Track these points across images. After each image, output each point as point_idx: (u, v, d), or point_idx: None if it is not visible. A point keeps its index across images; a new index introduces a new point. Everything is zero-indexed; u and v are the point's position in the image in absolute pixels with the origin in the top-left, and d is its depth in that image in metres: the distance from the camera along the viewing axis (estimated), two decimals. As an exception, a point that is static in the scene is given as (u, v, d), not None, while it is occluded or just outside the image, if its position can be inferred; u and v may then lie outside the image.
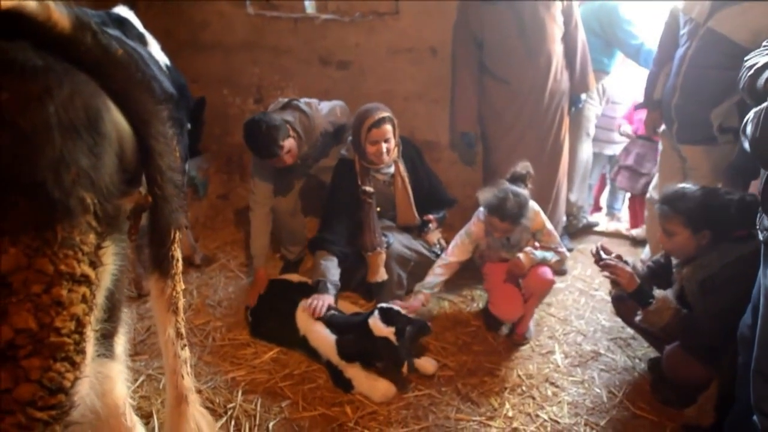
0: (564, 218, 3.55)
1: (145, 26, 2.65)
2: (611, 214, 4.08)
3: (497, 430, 2.21)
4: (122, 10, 2.57)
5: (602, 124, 3.70)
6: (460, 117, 3.32)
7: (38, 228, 0.91)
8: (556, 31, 3.06)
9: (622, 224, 3.94)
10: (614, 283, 2.31)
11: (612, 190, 4.07)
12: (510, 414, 2.28)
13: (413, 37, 3.63)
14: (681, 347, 2.16)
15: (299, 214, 3.36)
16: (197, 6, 4.19)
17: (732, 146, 2.50)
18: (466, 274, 2.90)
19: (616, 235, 3.80)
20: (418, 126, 3.77)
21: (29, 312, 0.92)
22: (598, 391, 2.40)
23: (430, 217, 3.08)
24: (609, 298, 3.02)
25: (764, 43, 1.74)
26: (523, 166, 2.65)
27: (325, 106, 3.20)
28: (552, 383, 2.46)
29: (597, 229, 3.87)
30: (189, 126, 2.93)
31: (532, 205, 2.66)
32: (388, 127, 2.84)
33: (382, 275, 2.89)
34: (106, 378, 1.30)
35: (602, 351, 2.66)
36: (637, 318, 2.17)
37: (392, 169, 2.98)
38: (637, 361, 2.59)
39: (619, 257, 2.28)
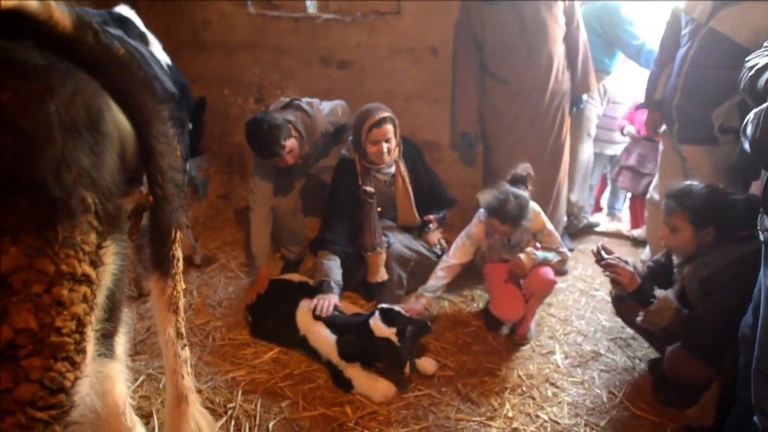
0: (565, 218, 3.55)
1: (147, 25, 2.65)
2: (612, 214, 4.08)
3: (497, 430, 2.21)
4: (123, 10, 2.57)
5: (603, 124, 3.70)
6: (460, 117, 3.32)
7: (39, 228, 0.91)
8: (557, 31, 3.06)
9: (623, 225, 3.94)
10: (615, 282, 2.31)
11: (613, 191, 4.07)
12: (510, 414, 2.28)
13: (414, 37, 3.63)
14: (682, 347, 2.16)
15: (299, 213, 3.36)
16: (198, 5, 4.19)
17: (733, 146, 2.50)
18: (466, 275, 2.90)
19: (617, 235, 3.80)
20: (419, 126, 3.77)
21: (30, 312, 0.92)
22: (599, 391, 2.40)
23: (431, 217, 3.08)
24: (609, 299, 3.02)
25: (765, 44, 1.74)
26: (524, 168, 2.65)
27: (326, 106, 3.20)
28: (552, 383, 2.45)
29: (598, 229, 3.87)
30: (190, 126, 2.93)
31: (533, 206, 2.65)
32: (389, 127, 2.83)
33: (383, 275, 2.89)
34: (106, 378, 1.30)
35: (602, 351, 2.66)
36: (639, 318, 2.17)
37: (393, 169, 2.98)
38: (637, 361, 2.58)
39: (618, 258, 2.28)
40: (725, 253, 2.04)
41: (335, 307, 2.69)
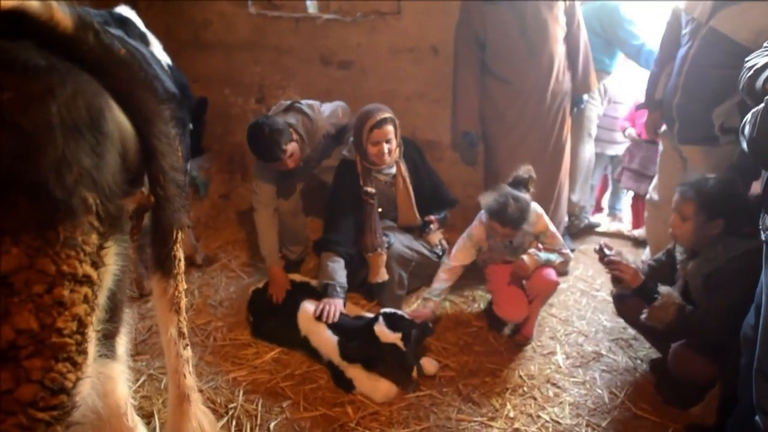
0: (566, 218, 3.55)
1: (147, 26, 2.65)
2: (613, 214, 4.07)
3: (498, 430, 2.21)
4: (124, 10, 2.57)
5: (604, 124, 3.69)
6: (461, 117, 3.32)
7: (40, 228, 0.90)
8: (558, 31, 3.06)
9: (624, 225, 3.93)
10: (617, 280, 2.30)
11: (614, 191, 4.06)
12: (511, 415, 2.28)
13: (415, 36, 3.63)
14: (686, 345, 2.15)
15: (300, 214, 3.36)
16: (199, 5, 4.19)
17: (734, 146, 2.50)
18: (467, 275, 2.89)
19: (618, 235, 3.80)
20: (420, 126, 3.77)
21: (31, 312, 0.92)
22: (600, 391, 2.40)
23: (432, 217, 3.08)
24: (611, 299, 3.02)
25: (765, 44, 1.74)
26: (526, 170, 2.64)
27: (326, 108, 3.20)
28: (553, 384, 2.45)
29: (598, 229, 3.87)
30: (191, 126, 2.93)
31: (535, 207, 2.65)
32: (390, 128, 2.83)
33: (383, 276, 2.89)
34: (107, 378, 1.30)
35: (604, 352, 2.65)
36: (643, 315, 2.16)
37: (394, 170, 2.98)
38: (638, 361, 2.58)
39: (619, 253, 2.28)
40: (728, 248, 2.04)
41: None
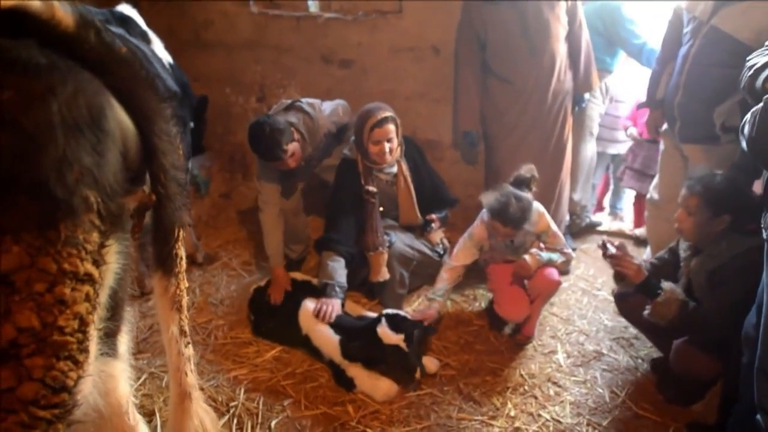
0: (567, 217, 3.55)
1: (148, 24, 2.65)
2: (614, 213, 4.07)
3: (499, 429, 2.21)
4: (125, 9, 2.57)
5: (605, 123, 3.69)
6: (462, 116, 3.31)
7: (41, 227, 0.91)
8: (560, 30, 3.06)
9: (625, 224, 3.93)
10: (619, 277, 2.30)
11: (615, 190, 4.06)
12: (512, 413, 2.28)
13: (416, 36, 3.62)
14: (689, 342, 2.15)
15: (301, 212, 3.36)
16: (200, 5, 4.19)
17: (735, 145, 2.49)
18: (468, 274, 2.89)
19: (620, 234, 3.79)
20: (421, 125, 3.77)
21: (32, 311, 0.92)
22: (601, 391, 2.40)
23: (433, 216, 3.08)
24: (612, 298, 3.01)
25: (767, 43, 1.73)
26: (528, 170, 2.63)
27: (327, 107, 3.20)
28: (554, 383, 2.45)
29: (600, 228, 3.86)
30: (192, 124, 2.93)
31: (537, 206, 2.65)
32: (391, 127, 2.83)
33: (384, 275, 2.89)
34: (109, 376, 1.31)
35: (605, 351, 2.65)
36: (646, 311, 2.15)
37: (395, 169, 2.98)
38: (639, 361, 2.58)
39: (623, 246, 2.27)
40: (733, 245, 2.04)
41: (341, 309, 2.70)
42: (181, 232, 1.36)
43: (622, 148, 3.76)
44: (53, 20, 0.98)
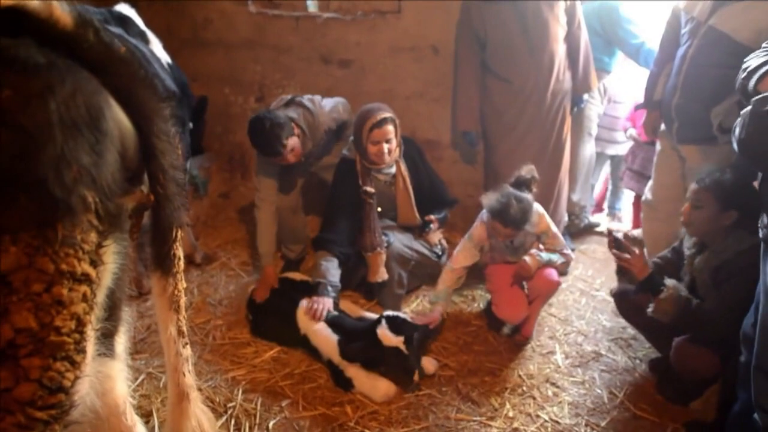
0: (566, 218, 3.55)
1: (147, 24, 2.64)
2: (613, 214, 4.07)
3: (498, 430, 2.20)
4: (124, 8, 2.57)
5: (604, 123, 3.69)
6: (461, 116, 3.32)
7: (39, 226, 0.90)
8: (559, 30, 3.06)
9: (624, 224, 3.93)
10: (622, 271, 2.29)
11: (614, 191, 4.06)
12: (510, 414, 2.28)
13: (415, 35, 3.62)
14: (689, 340, 2.15)
15: (300, 212, 3.36)
16: (199, 4, 4.18)
17: (732, 146, 2.49)
18: (467, 274, 2.89)
19: (618, 235, 3.79)
20: (420, 125, 3.77)
21: (30, 311, 0.91)
22: (599, 391, 2.40)
23: (432, 217, 3.07)
24: (610, 299, 3.01)
25: (764, 44, 1.74)
26: (528, 170, 2.63)
27: (328, 103, 3.20)
28: (553, 383, 2.45)
29: (598, 229, 3.86)
30: (191, 124, 2.92)
31: (537, 207, 2.64)
32: (390, 128, 2.83)
33: (383, 275, 2.89)
34: (106, 377, 1.30)
35: (603, 351, 2.65)
36: (649, 309, 2.15)
37: (394, 169, 2.98)
38: (638, 361, 2.58)
39: (627, 236, 2.26)
40: (737, 241, 2.04)
41: (339, 309, 2.69)
42: (179, 233, 1.36)
43: (620, 148, 3.76)
44: (52, 19, 0.98)
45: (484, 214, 2.71)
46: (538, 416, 2.26)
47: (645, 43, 3.22)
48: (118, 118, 1.06)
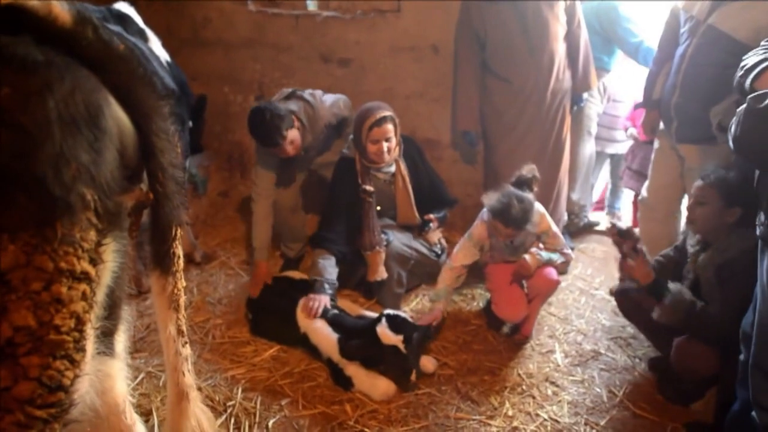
0: (565, 217, 3.55)
1: (146, 22, 2.64)
2: (612, 213, 4.07)
3: (497, 429, 2.20)
4: (123, 6, 2.56)
5: (604, 122, 3.69)
6: (461, 115, 3.31)
7: (38, 225, 0.90)
8: (559, 30, 3.06)
9: (623, 224, 3.92)
10: (623, 268, 2.28)
11: (613, 190, 4.06)
12: (510, 413, 2.28)
13: (415, 35, 3.62)
14: (690, 339, 2.15)
15: (300, 210, 3.35)
16: (198, 3, 4.18)
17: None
18: (467, 273, 2.89)
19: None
20: (420, 124, 3.77)
21: (28, 309, 0.91)
22: (599, 390, 2.40)
23: (431, 216, 3.07)
24: (609, 298, 3.03)
25: (762, 42, 1.74)
26: (529, 170, 2.62)
27: (328, 98, 3.20)
28: (552, 382, 2.45)
29: (598, 228, 3.86)
30: (190, 123, 2.92)
31: (538, 207, 2.64)
32: (390, 127, 2.83)
33: (382, 274, 2.89)
34: (106, 376, 1.30)
35: (602, 350, 2.65)
36: (654, 314, 2.15)
37: (393, 168, 2.97)
38: (637, 360, 2.58)
39: (631, 232, 2.27)
40: (741, 239, 2.04)
41: (338, 306, 2.69)
42: (179, 231, 1.36)
43: (620, 147, 3.76)
44: (50, 17, 0.98)
45: (484, 213, 2.71)
46: (537, 415, 2.26)
47: (644, 42, 3.22)
48: (117, 116, 1.06)
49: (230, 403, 2.31)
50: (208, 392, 2.35)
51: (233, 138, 4.41)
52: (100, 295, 1.09)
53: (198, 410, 1.58)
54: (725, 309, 2.00)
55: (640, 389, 2.40)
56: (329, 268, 2.77)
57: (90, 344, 1.06)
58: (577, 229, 3.77)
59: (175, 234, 1.35)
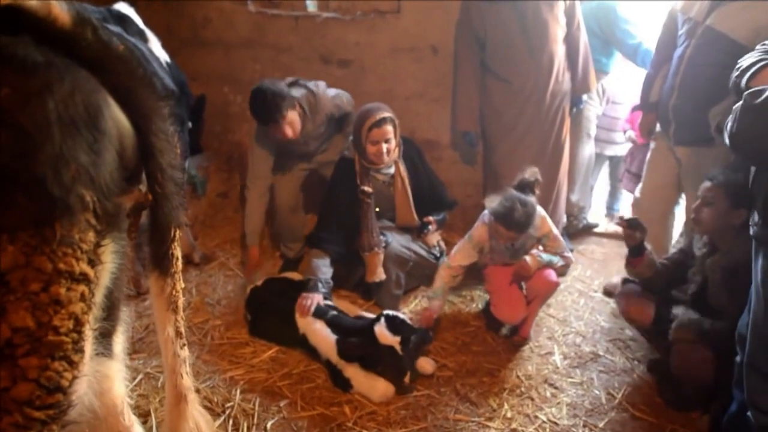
0: (564, 218, 3.55)
1: (146, 23, 2.64)
2: (611, 215, 4.07)
3: (496, 430, 2.20)
4: (123, 7, 2.57)
5: (603, 124, 3.69)
6: (461, 116, 3.32)
7: (37, 225, 0.90)
8: (558, 31, 3.06)
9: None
10: (630, 267, 2.35)
11: (612, 191, 4.06)
12: (509, 415, 2.27)
13: (414, 36, 3.62)
14: (690, 345, 2.15)
15: (300, 210, 3.35)
16: (198, 3, 4.18)
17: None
18: (465, 275, 2.89)
19: (615, 236, 3.79)
20: (419, 125, 3.77)
21: (27, 310, 0.91)
22: (597, 392, 2.40)
23: (430, 218, 3.07)
24: (608, 300, 3.03)
25: (760, 44, 1.74)
26: (532, 173, 2.62)
27: (332, 91, 3.20)
28: (551, 384, 2.45)
29: (596, 230, 3.86)
30: (189, 124, 2.92)
31: (539, 210, 2.64)
32: (389, 128, 2.83)
33: (380, 275, 2.88)
34: (104, 377, 1.30)
35: (601, 352, 2.65)
36: (670, 335, 2.19)
37: (392, 170, 2.97)
38: (636, 362, 2.58)
39: (641, 224, 2.31)
40: (747, 242, 2.03)
41: (333, 306, 2.69)
42: (178, 232, 1.36)
43: (619, 149, 3.76)
44: (50, 17, 0.98)
45: (485, 215, 2.71)
46: (536, 417, 2.26)
47: (642, 44, 3.22)
48: (116, 116, 1.06)
49: (229, 405, 2.30)
50: (207, 393, 2.35)
51: (233, 139, 4.41)
52: (99, 296, 1.09)
53: (196, 413, 1.58)
54: (737, 318, 2.00)
55: (638, 391, 2.40)
56: (323, 267, 2.77)
57: (88, 345, 1.06)
58: (576, 231, 3.77)
59: (174, 235, 1.34)
